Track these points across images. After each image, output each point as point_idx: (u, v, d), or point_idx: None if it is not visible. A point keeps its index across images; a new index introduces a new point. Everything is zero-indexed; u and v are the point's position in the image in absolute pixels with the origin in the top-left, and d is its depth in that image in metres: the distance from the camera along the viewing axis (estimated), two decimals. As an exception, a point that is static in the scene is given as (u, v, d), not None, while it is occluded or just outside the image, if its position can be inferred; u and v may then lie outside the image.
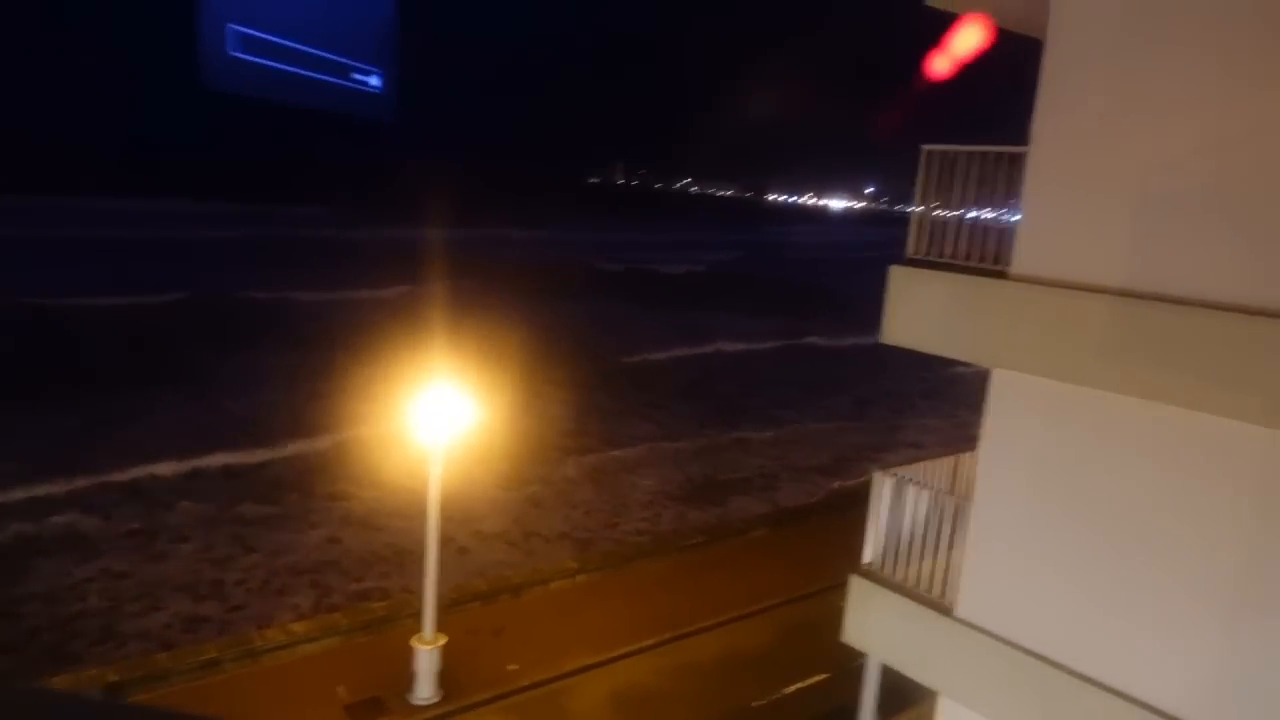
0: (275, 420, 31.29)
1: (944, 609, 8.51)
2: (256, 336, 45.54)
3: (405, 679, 13.66)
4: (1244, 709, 6.70)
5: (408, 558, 20.49)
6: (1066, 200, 7.39)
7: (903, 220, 8.77)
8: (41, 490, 23.95)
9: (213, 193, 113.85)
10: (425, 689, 13.59)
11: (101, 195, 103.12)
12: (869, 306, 8.42)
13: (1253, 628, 6.65)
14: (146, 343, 42.74)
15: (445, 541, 14.70)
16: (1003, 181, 8.11)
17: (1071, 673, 7.50)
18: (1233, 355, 6.33)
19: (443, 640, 13.63)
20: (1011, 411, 7.98)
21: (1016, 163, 7.84)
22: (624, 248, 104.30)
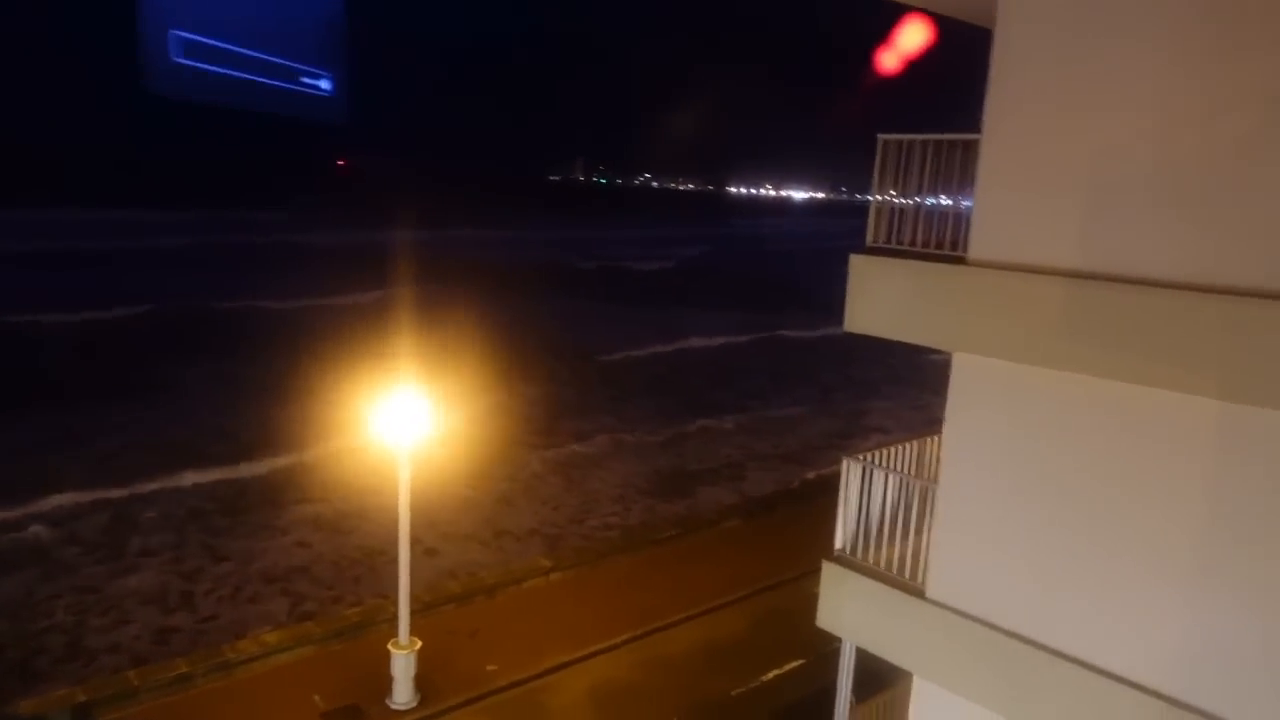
0: (246, 432, 30.88)
1: (915, 591, 8.61)
2: (229, 345, 45.00)
3: (383, 684, 13.58)
4: (1207, 676, 6.86)
5: (380, 559, 20.37)
6: (1020, 186, 7.49)
7: (866, 209, 8.83)
8: (7, 506, 23.49)
9: (168, 200, 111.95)
10: (403, 693, 13.53)
11: (56, 207, 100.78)
12: (840, 297, 8.45)
13: (1213, 597, 6.81)
14: (113, 357, 42.01)
15: (415, 543, 14.61)
16: (958, 169, 8.22)
17: (1041, 648, 7.63)
18: (1186, 332, 6.45)
19: (419, 644, 13.57)
20: (973, 394, 8.09)
21: (971, 150, 7.94)
22: (594, 245, 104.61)
